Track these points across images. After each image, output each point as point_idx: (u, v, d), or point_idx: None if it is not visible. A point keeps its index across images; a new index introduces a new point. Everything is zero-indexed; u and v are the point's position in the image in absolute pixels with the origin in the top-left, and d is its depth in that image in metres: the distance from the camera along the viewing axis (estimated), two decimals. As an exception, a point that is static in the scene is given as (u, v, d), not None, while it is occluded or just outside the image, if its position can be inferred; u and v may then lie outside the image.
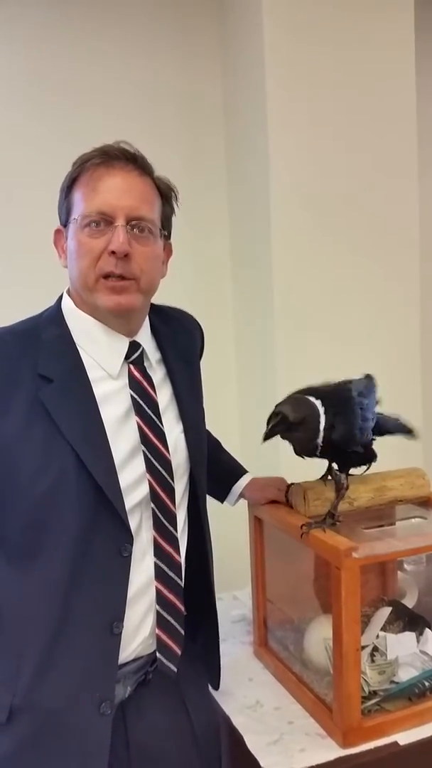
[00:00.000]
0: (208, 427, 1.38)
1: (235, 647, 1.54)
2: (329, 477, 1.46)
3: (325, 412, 1.29)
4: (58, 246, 1.19)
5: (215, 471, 1.39)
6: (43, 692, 1.07)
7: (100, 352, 1.15)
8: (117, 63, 2.21)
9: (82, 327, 1.16)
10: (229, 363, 2.43)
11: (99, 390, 1.13)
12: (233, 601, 1.86)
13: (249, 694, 1.47)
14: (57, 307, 1.19)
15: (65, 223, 1.16)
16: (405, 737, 1.29)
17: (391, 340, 2.28)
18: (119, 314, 1.15)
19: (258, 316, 2.25)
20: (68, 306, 1.18)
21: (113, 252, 1.09)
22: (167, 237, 1.22)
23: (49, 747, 1.08)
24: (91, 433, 1.09)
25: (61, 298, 1.21)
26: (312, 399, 1.30)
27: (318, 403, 1.30)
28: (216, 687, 1.43)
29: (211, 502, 1.40)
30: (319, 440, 1.28)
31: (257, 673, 1.56)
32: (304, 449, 1.31)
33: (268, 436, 1.28)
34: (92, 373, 1.13)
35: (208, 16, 2.32)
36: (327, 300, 2.18)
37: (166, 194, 1.19)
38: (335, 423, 1.28)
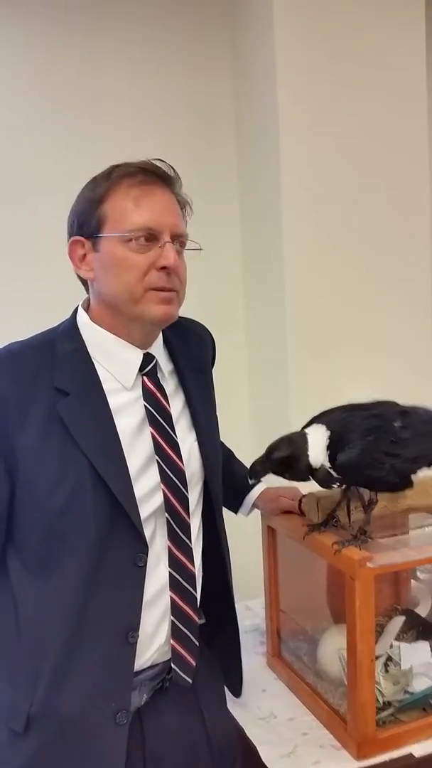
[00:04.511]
0: (220, 437, 1.38)
1: (248, 658, 1.53)
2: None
3: (330, 437, 1.29)
4: (74, 256, 1.18)
5: (228, 481, 1.39)
6: (60, 701, 1.08)
7: (115, 365, 1.17)
8: (129, 75, 2.23)
9: (98, 340, 1.17)
10: (241, 374, 2.43)
11: (114, 402, 1.14)
12: (246, 611, 1.85)
13: (263, 705, 1.47)
14: (72, 321, 1.20)
15: (90, 235, 1.15)
16: (420, 749, 1.28)
17: (405, 354, 2.27)
18: (165, 324, 1.18)
19: (270, 325, 2.25)
20: (83, 320, 1.19)
21: (164, 267, 1.11)
22: None
23: (65, 757, 1.08)
24: (107, 444, 1.10)
25: (75, 312, 1.22)
26: (312, 428, 1.32)
27: (320, 430, 1.31)
28: (237, 695, 1.43)
29: (224, 512, 1.41)
30: (317, 463, 1.30)
31: (270, 684, 1.55)
32: (300, 478, 1.34)
33: (252, 476, 1.34)
34: (107, 385, 1.15)
35: (220, 29, 2.33)
36: (339, 311, 2.19)
37: (184, 209, 1.22)
38: (342, 447, 1.28)
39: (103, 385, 1.14)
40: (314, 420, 1.36)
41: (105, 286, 1.15)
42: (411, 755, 1.27)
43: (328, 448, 1.29)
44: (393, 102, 2.21)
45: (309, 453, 1.29)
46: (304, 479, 1.33)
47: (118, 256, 1.12)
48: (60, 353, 1.14)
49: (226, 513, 1.46)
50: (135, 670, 1.12)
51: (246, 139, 2.31)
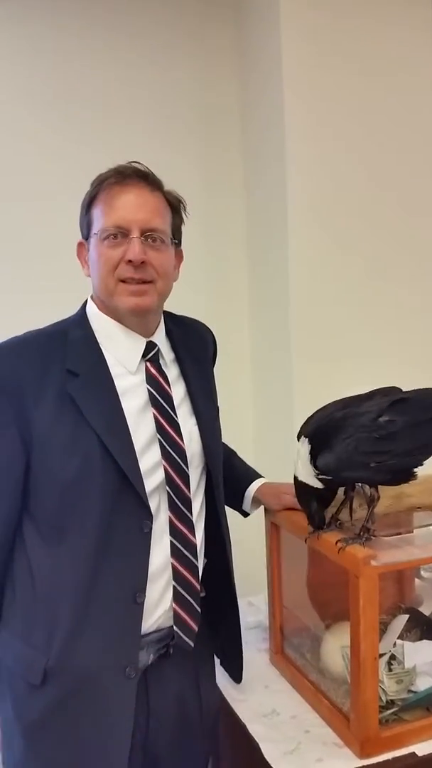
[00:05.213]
0: (223, 438, 1.44)
1: (251, 654, 1.53)
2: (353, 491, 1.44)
3: (310, 442, 1.32)
4: (80, 257, 1.32)
5: (228, 476, 1.45)
6: (74, 656, 1.18)
7: (121, 351, 1.27)
8: (135, 74, 2.21)
9: (105, 328, 1.28)
10: (245, 379, 2.43)
11: (120, 384, 1.24)
12: (249, 608, 1.85)
13: (265, 701, 1.47)
14: (82, 312, 1.32)
15: (86, 237, 1.28)
16: (423, 748, 1.28)
17: (410, 361, 2.25)
18: (137, 314, 1.26)
19: (274, 331, 2.24)
20: (92, 310, 1.30)
21: (130, 261, 1.21)
22: (178, 244, 1.33)
23: (78, 708, 1.18)
24: (115, 423, 1.20)
25: (85, 303, 1.33)
26: (299, 445, 1.36)
27: (304, 446, 1.34)
28: (238, 680, 1.49)
29: (230, 514, 1.43)
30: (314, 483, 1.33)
31: (273, 681, 1.55)
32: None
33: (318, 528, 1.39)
34: (114, 369, 1.25)
35: (225, 28, 2.31)
36: (344, 317, 2.18)
37: (175, 206, 1.31)
38: (321, 452, 1.30)
39: (110, 369, 1.24)
40: (301, 431, 1.38)
41: (93, 281, 1.28)
42: (414, 754, 1.27)
43: (312, 459, 1.32)
44: (399, 103, 2.19)
45: (307, 483, 1.34)
46: (335, 492, 1.40)
47: (97, 253, 1.25)
48: (71, 339, 1.25)
49: (230, 512, 1.46)
50: (142, 633, 1.22)
51: (251, 139, 2.29)
